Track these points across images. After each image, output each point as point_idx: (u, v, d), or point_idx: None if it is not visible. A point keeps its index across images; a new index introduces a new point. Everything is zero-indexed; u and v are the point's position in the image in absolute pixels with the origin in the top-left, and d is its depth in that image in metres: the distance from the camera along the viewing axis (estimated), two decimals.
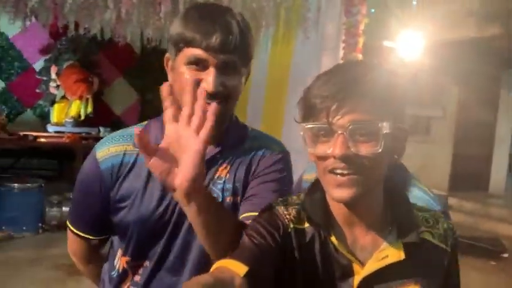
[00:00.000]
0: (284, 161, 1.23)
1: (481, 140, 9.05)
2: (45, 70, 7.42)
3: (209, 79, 1.06)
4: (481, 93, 8.44)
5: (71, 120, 7.33)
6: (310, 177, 1.41)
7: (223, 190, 1.16)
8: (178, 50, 1.11)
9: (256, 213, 1.02)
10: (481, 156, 9.14)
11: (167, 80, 1.15)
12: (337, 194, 0.86)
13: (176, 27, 1.12)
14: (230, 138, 1.20)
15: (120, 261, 1.23)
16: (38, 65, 7.60)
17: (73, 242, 1.33)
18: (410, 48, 6.53)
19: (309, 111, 0.88)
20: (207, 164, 1.00)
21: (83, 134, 6.91)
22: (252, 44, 1.17)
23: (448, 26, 6.63)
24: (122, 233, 1.22)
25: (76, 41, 7.22)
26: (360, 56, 4.40)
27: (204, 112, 0.86)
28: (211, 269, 0.84)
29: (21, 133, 6.27)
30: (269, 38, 5.38)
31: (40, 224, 5.33)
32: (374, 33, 5.10)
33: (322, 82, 0.87)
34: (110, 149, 1.22)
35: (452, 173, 9.01)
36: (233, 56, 1.09)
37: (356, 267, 0.91)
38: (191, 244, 1.16)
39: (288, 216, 0.94)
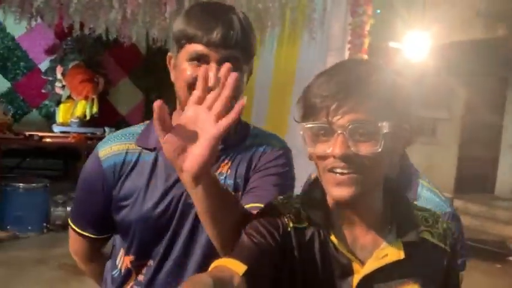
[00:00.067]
0: (285, 156, 1.23)
1: (487, 142, 9.00)
2: (51, 70, 7.44)
3: (210, 74, 1.06)
4: (488, 95, 8.40)
5: (77, 120, 7.35)
6: None
7: None
8: (180, 47, 1.12)
9: (259, 205, 1.01)
10: (487, 158, 9.08)
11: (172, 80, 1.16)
12: (337, 193, 0.86)
13: (178, 25, 1.12)
14: (232, 137, 1.20)
15: (122, 260, 1.23)
16: (44, 65, 7.62)
17: (75, 241, 1.34)
18: (417, 49, 6.52)
19: (308, 111, 0.88)
20: None
21: (88, 134, 6.92)
22: (253, 41, 1.17)
23: (455, 27, 6.61)
24: (124, 232, 1.22)
25: (81, 41, 7.24)
26: (365, 57, 4.38)
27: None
28: (210, 268, 0.83)
29: (27, 133, 6.29)
30: (274, 39, 5.37)
31: (45, 224, 5.35)
32: (380, 34, 5.09)
33: (322, 81, 0.87)
34: (112, 147, 1.22)
35: (458, 175, 8.98)
36: (234, 51, 1.09)
37: (356, 266, 0.90)
38: (194, 243, 1.16)
39: (287, 215, 0.94)
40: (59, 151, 7.31)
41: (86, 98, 7.32)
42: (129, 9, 4.66)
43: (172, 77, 1.17)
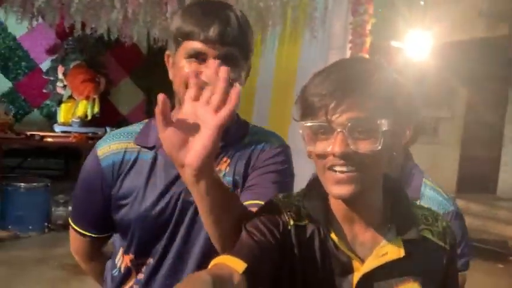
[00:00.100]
0: (284, 153, 1.22)
1: (489, 142, 8.98)
2: (52, 70, 7.46)
3: (208, 71, 1.05)
4: (490, 94, 8.39)
5: (78, 120, 7.37)
6: None
7: None
8: (178, 45, 1.11)
9: (258, 202, 1.01)
10: (489, 158, 9.06)
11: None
12: (336, 190, 0.86)
13: (176, 23, 1.12)
14: (231, 135, 1.19)
15: (122, 259, 1.23)
16: (45, 65, 7.65)
17: (75, 240, 1.34)
18: (418, 48, 6.51)
19: (307, 110, 0.88)
20: None
21: (90, 134, 6.93)
22: (251, 38, 1.17)
23: (457, 26, 6.61)
24: (124, 231, 1.21)
25: (83, 41, 7.26)
26: (366, 56, 4.38)
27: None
28: (209, 266, 0.83)
29: (28, 133, 6.30)
30: (276, 37, 5.36)
31: (46, 224, 5.36)
32: (381, 33, 5.08)
33: (320, 80, 0.87)
34: (110, 146, 1.22)
35: (459, 174, 8.97)
36: (232, 48, 1.09)
37: (356, 264, 0.90)
38: (193, 240, 1.15)
39: (288, 213, 0.93)
40: (60, 151, 7.32)
41: (87, 97, 7.34)
42: (131, 9, 4.66)
43: (171, 75, 1.17)
